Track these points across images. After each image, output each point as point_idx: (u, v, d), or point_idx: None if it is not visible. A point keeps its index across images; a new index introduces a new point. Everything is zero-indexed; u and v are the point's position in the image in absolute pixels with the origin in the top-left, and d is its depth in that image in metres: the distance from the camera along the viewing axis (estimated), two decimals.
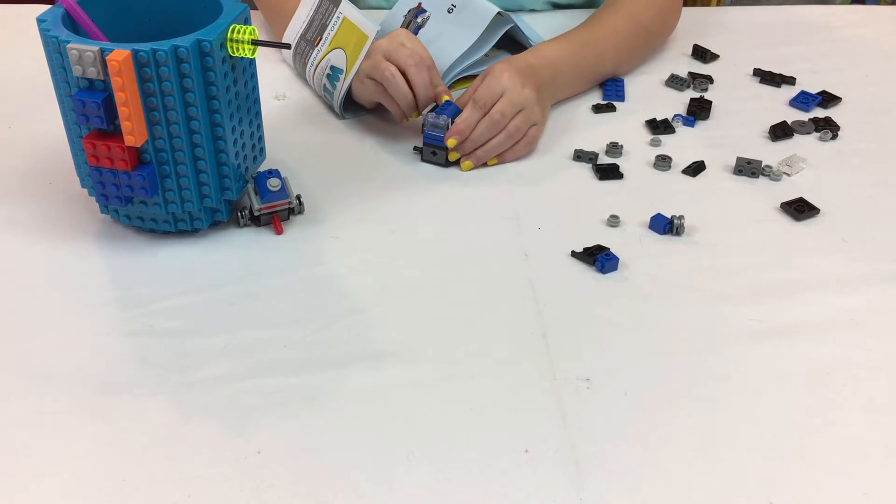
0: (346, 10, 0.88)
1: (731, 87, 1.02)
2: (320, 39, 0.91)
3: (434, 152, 0.86)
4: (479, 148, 0.86)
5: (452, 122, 0.84)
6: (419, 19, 0.97)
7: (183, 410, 0.60)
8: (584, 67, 0.97)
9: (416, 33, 0.96)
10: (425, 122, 0.85)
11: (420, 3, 0.98)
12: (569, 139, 0.91)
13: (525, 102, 0.85)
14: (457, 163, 0.87)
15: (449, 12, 0.95)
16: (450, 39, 0.95)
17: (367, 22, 0.85)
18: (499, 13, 0.93)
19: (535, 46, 0.94)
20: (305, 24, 0.93)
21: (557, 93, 0.95)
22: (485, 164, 0.87)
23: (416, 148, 0.89)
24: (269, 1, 1.03)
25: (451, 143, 0.84)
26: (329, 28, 0.90)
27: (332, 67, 0.90)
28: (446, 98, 0.86)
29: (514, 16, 0.96)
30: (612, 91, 0.99)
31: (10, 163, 0.86)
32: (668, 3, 1.06)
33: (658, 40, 1.09)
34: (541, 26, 1.09)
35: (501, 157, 0.87)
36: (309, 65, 0.94)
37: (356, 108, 0.95)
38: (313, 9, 0.92)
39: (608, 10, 1.01)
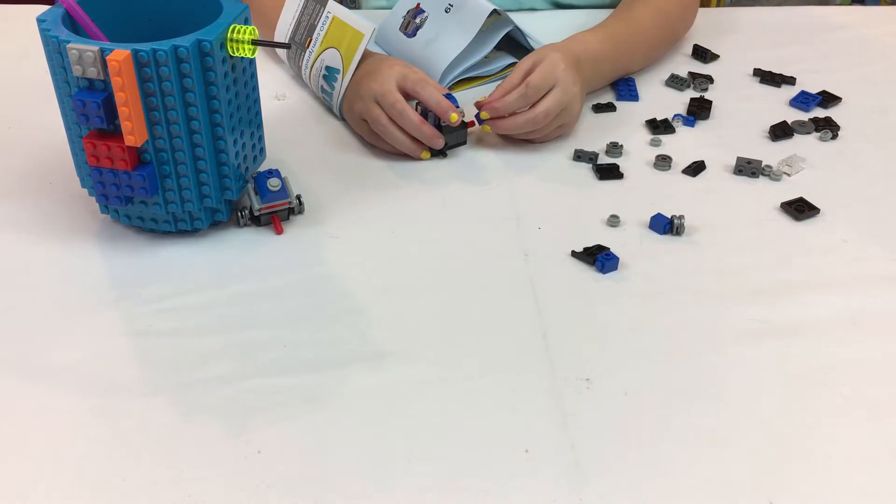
0: (335, 9, 0.88)
1: (731, 87, 1.02)
2: (310, 41, 0.90)
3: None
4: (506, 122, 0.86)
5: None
6: (417, 20, 0.97)
7: (183, 410, 0.60)
8: (621, 63, 0.98)
9: (414, 34, 0.96)
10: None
11: (418, 4, 0.98)
12: (569, 139, 0.91)
13: (571, 101, 0.85)
14: (456, 162, 0.87)
15: (446, 12, 0.95)
16: (448, 39, 0.94)
17: (360, 20, 0.85)
18: (497, 12, 0.93)
19: (576, 36, 0.92)
20: (292, 27, 0.93)
21: (594, 86, 0.95)
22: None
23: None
24: (255, 7, 1.03)
25: (483, 115, 0.85)
26: (318, 28, 0.89)
27: (328, 68, 0.90)
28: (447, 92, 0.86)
29: (514, 17, 0.96)
30: (625, 91, 0.99)
31: (10, 163, 0.86)
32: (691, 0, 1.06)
33: (679, 36, 1.09)
34: (541, 26, 1.09)
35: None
36: (304, 67, 0.94)
37: None
38: (299, 10, 0.91)
39: (638, 4, 1.01)
